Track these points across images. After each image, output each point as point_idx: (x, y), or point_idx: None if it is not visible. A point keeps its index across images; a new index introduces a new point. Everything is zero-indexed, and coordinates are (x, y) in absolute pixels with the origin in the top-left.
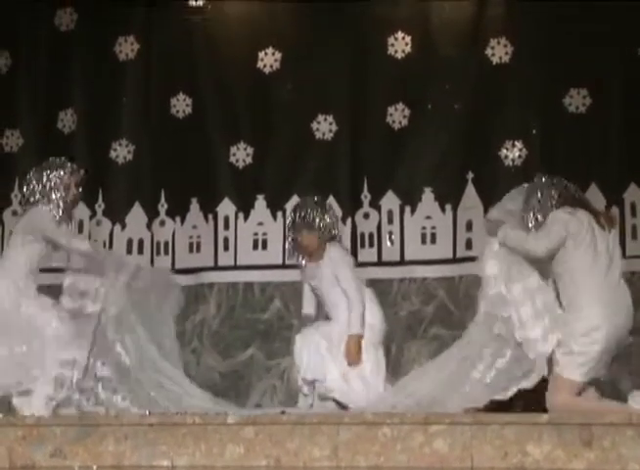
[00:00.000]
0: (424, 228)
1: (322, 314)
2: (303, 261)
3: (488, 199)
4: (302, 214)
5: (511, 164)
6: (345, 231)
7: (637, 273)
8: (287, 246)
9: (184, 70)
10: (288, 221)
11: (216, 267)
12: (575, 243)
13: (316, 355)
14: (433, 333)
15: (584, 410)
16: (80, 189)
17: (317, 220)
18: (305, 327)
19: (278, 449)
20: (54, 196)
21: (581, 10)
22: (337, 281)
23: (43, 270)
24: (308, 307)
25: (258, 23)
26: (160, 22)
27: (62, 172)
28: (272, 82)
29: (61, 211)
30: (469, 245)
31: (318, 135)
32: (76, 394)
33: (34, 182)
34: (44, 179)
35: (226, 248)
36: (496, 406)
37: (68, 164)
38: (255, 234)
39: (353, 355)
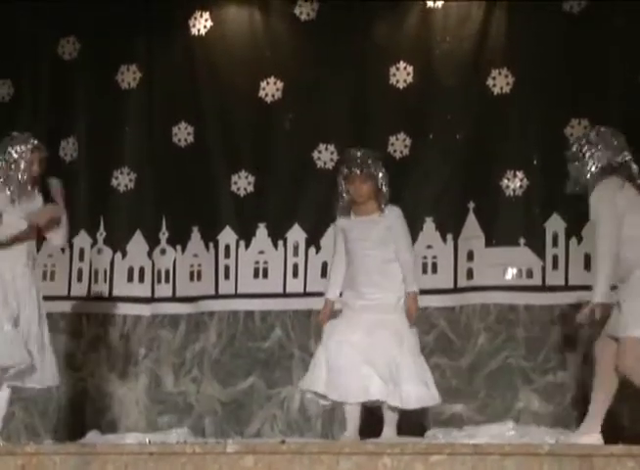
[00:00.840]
0: (425, 258)
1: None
2: (351, 214)
3: (489, 228)
4: (359, 162)
5: (512, 193)
6: None
7: None
8: (339, 203)
9: (186, 99)
10: (342, 170)
11: (217, 296)
12: (627, 215)
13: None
14: (433, 362)
15: None
16: (39, 167)
17: (373, 170)
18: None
19: None
20: (14, 172)
21: (583, 41)
22: (389, 241)
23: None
24: (333, 291)
25: (260, 52)
26: (163, 51)
27: (24, 147)
28: (274, 111)
29: (21, 188)
30: (470, 274)
31: (319, 164)
32: None
33: None
34: (5, 155)
35: (227, 276)
36: None
37: (31, 140)
38: (256, 262)
39: (413, 313)
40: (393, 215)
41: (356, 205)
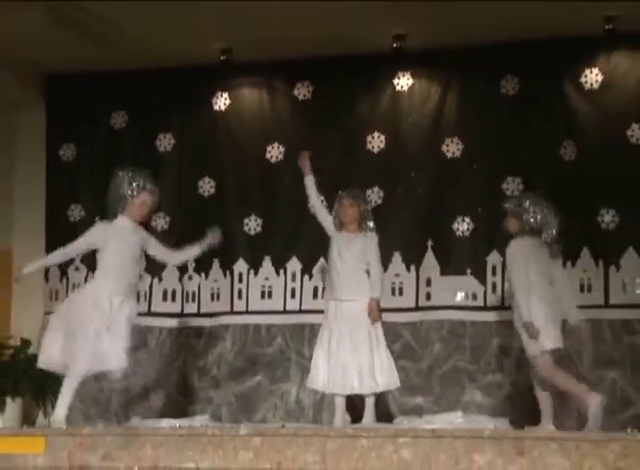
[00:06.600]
0: (393, 283)
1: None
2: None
3: (443, 261)
4: (350, 193)
5: (461, 234)
6: None
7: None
8: (332, 217)
9: (209, 159)
10: (338, 198)
11: (232, 312)
12: None
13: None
14: (399, 365)
15: None
16: None
17: (359, 201)
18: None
19: (279, 456)
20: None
21: (516, 116)
22: (363, 259)
23: None
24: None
25: (267, 123)
26: (192, 122)
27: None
28: (277, 170)
29: None
30: (428, 297)
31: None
32: None
33: None
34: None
35: (240, 297)
36: None
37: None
38: (263, 286)
39: (375, 315)
40: (370, 240)
41: (343, 224)
